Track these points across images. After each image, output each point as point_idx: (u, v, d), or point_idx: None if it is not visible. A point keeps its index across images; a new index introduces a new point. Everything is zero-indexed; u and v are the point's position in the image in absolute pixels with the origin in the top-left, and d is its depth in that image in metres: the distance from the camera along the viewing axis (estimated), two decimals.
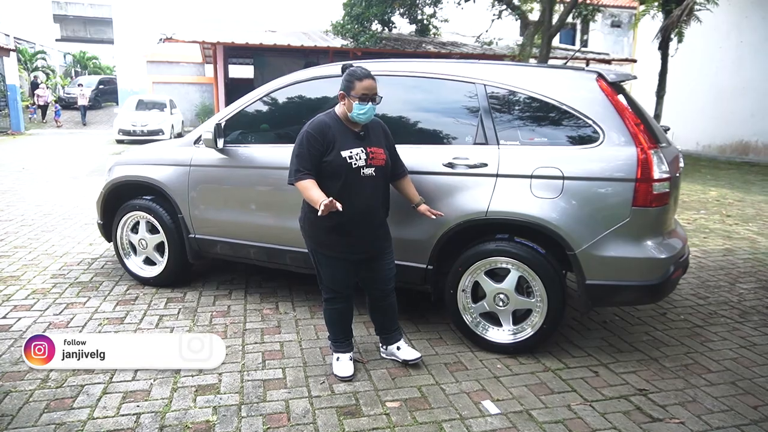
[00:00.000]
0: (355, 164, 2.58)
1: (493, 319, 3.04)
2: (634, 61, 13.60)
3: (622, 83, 3.09)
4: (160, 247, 3.91)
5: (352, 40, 11.33)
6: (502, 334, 2.97)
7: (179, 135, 18.41)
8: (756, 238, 5.82)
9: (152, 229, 3.90)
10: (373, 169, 2.62)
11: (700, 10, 10.84)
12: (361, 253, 2.71)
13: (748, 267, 4.78)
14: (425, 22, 14.51)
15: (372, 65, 3.31)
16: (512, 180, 2.86)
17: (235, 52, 17.92)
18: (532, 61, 10.91)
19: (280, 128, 3.59)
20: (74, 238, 5.27)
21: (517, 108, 3.00)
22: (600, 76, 2.89)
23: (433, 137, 3.14)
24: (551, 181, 2.79)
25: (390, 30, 13.28)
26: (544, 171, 2.80)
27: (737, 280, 4.40)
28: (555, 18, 10.61)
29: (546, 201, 2.79)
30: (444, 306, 3.14)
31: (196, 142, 3.67)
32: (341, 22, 12.10)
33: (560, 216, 2.77)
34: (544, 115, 2.94)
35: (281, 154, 3.35)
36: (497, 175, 2.88)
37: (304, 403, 2.50)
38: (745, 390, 2.68)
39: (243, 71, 21.88)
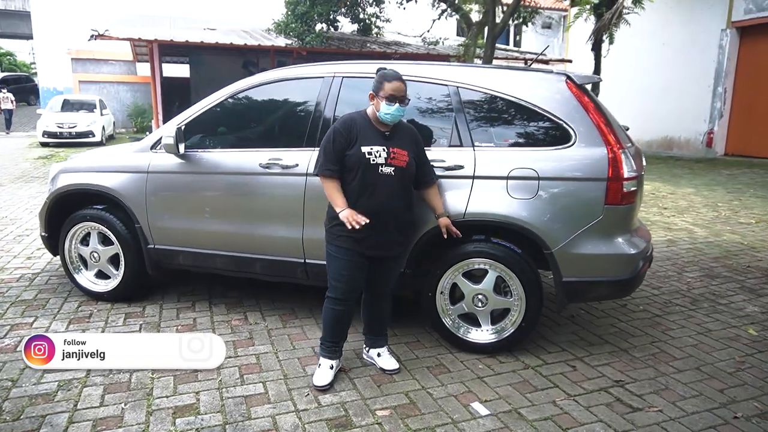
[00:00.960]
0: (373, 161, 2.59)
1: (471, 319, 3.06)
2: (570, 61, 14.22)
3: (586, 85, 3.19)
4: (114, 260, 3.66)
5: (297, 39, 11.11)
6: (484, 334, 2.99)
7: (111, 137, 17.44)
8: (692, 228, 6.22)
9: (104, 241, 3.65)
10: (393, 168, 2.61)
11: (628, 13, 11.47)
12: (372, 250, 2.67)
13: (690, 257, 5.09)
14: (367, 21, 14.49)
15: (343, 67, 3.27)
16: (489, 182, 2.89)
17: (169, 51, 17.15)
18: (477, 61, 11.16)
19: (247, 132, 3.45)
20: (9, 252, 4.85)
21: (490, 110, 3.03)
22: (568, 78, 2.97)
23: None
24: (527, 181, 2.84)
25: (336, 29, 13.15)
26: (520, 172, 2.84)
27: (683, 270, 4.68)
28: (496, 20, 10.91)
29: (522, 201, 2.84)
30: (420, 309, 3.13)
31: (154, 147, 3.47)
32: (285, 20, 11.83)
33: (537, 216, 2.82)
34: (517, 117, 2.99)
35: (249, 158, 3.24)
36: (474, 177, 2.90)
37: (292, 418, 2.41)
38: (710, 375, 2.85)
39: (177, 70, 21.00)
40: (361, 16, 13.99)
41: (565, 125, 2.87)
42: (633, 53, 12.46)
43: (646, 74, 13.89)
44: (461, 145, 2.96)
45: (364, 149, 2.59)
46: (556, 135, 2.89)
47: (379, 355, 2.88)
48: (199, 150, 3.36)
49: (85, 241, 3.71)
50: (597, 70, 12.04)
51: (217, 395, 2.58)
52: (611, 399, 2.60)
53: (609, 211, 2.80)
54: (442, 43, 13.47)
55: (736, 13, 12.31)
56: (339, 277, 2.71)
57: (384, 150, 2.60)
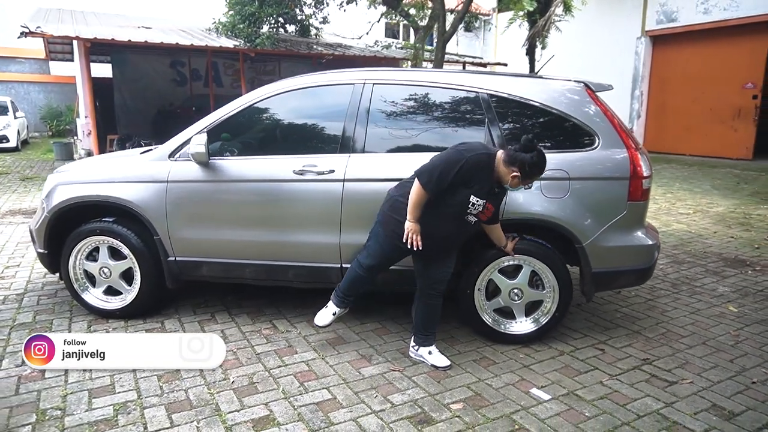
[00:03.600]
0: (470, 210, 2.71)
1: (505, 313, 3.25)
2: (505, 64, 14.95)
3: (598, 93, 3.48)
4: (125, 274, 3.48)
5: (245, 40, 10.80)
6: (524, 325, 3.18)
7: (25, 142, 16.00)
8: None
9: (114, 255, 3.46)
10: (476, 219, 2.76)
11: (559, 20, 12.29)
12: (420, 251, 2.77)
13: None
14: (306, 23, 14.37)
15: (373, 74, 3.33)
16: None
17: (92, 49, 16.01)
18: (427, 64, 11.47)
19: (277, 138, 3.41)
20: None
21: (521, 116, 3.23)
22: (586, 86, 3.24)
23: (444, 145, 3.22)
24: (559, 182, 3.07)
25: (286, 31, 12.92)
26: (553, 173, 3.06)
27: None
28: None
29: (556, 200, 3.06)
30: (457, 307, 3.27)
31: (173, 155, 3.34)
32: (231, 21, 11.45)
33: (569, 213, 3.06)
34: (545, 122, 3.20)
35: (281, 165, 3.22)
36: None
37: (374, 419, 2.46)
38: (716, 348, 3.23)
39: (97, 69, 19.60)
40: (299, 17, 13.82)
41: (589, 129, 3.13)
42: (562, 57, 13.36)
43: (574, 77, 14.88)
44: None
45: (473, 199, 2.67)
46: (582, 138, 3.14)
47: (430, 353, 2.98)
48: (227, 157, 3.29)
49: (91, 256, 3.49)
50: (531, 72, 12.78)
51: (288, 405, 2.57)
52: (647, 375, 2.89)
53: (631, 206, 3.10)
54: (395, 46, 13.67)
55: (649, 22, 13.56)
56: (375, 254, 2.88)
57: (484, 204, 2.72)
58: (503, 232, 3.09)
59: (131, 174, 3.39)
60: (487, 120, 3.17)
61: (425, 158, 3.05)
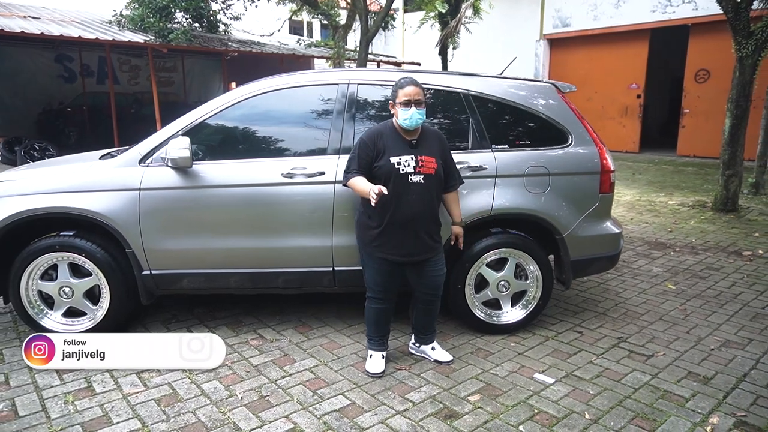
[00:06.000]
0: (402, 170, 2.69)
1: (491, 305, 3.39)
2: (418, 64, 15.34)
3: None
4: (89, 293, 3.16)
5: (156, 35, 10.02)
6: (514, 313, 3.34)
7: None
8: None
9: (75, 271, 3.12)
10: (422, 176, 2.72)
11: (469, 22, 12.87)
12: (403, 257, 2.78)
13: None
14: (212, 19, 13.72)
15: (357, 74, 3.31)
16: (509, 179, 3.24)
17: None
18: (350, 63, 11.44)
19: (260, 140, 3.25)
20: None
21: (502, 115, 3.37)
22: (556, 87, 3.47)
23: None
24: (540, 178, 3.26)
25: (202, 26, 12.17)
26: (534, 170, 3.25)
27: None
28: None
29: (538, 195, 3.25)
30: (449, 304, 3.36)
31: (143, 160, 3.08)
32: (138, 14, 10.56)
33: (550, 207, 3.26)
34: (526, 121, 3.38)
35: (268, 168, 3.11)
36: (496, 176, 3.22)
37: (402, 420, 2.47)
38: (672, 322, 3.61)
39: None
40: (209, 13, 13.14)
41: (562, 128, 3.35)
42: (472, 56, 14.02)
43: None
44: (481, 148, 3.25)
45: (393, 159, 2.69)
46: (557, 136, 3.36)
47: (433, 349, 3.04)
48: (206, 162, 3.10)
49: (47, 275, 3.12)
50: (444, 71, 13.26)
51: (310, 415, 2.50)
52: (627, 352, 3.17)
53: (602, 198, 3.38)
54: (303, 44, 13.39)
55: (546, 26, 14.62)
56: (374, 282, 2.85)
57: (412, 159, 2.72)
58: (489, 226, 3.24)
59: (96, 182, 3.07)
60: (470, 118, 3.28)
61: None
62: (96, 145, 11.87)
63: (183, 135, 3.03)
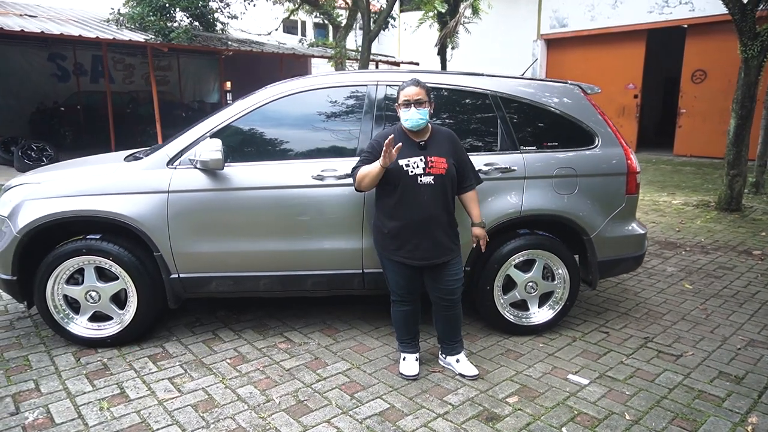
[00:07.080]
0: (411, 172, 2.68)
1: (517, 306, 3.39)
2: (417, 63, 15.33)
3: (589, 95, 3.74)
4: (115, 297, 3.12)
5: (156, 34, 9.89)
6: (543, 314, 3.35)
7: None
8: None
9: (101, 275, 3.08)
10: (432, 177, 2.70)
11: (468, 22, 12.89)
12: (420, 260, 2.76)
13: None
14: (210, 18, 13.61)
15: (384, 75, 3.30)
16: (538, 181, 3.24)
17: None
18: (351, 63, 11.40)
19: (291, 142, 3.22)
20: None
21: (529, 116, 3.37)
22: (581, 88, 3.48)
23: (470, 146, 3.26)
24: (569, 179, 3.27)
25: (202, 24, 12.06)
26: (563, 171, 3.26)
27: None
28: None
29: (567, 196, 3.26)
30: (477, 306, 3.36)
31: (171, 162, 3.04)
32: (139, 12, 10.42)
33: (578, 208, 3.27)
34: (554, 122, 3.38)
35: (298, 170, 3.09)
36: (525, 178, 3.23)
37: (444, 423, 2.46)
38: (695, 322, 3.64)
39: None
40: (206, 12, 13.02)
41: (589, 129, 3.36)
42: (469, 55, 14.05)
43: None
44: (510, 150, 3.25)
45: (401, 162, 2.67)
46: (584, 138, 3.37)
47: (458, 361, 2.96)
48: (235, 164, 3.06)
49: (73, 279, 3.07)
50: (443, 70, 13.26)
51: (351, 419, 2.49)
52: (655, 352, 3.19)
53: (629, 199, 3.39)
54: (316, 44, 13.33)
55: (543, 27, 14.69)
56: (397, 285, 2.84)
57: (421, 160, 2.70)
58: (517, 227, 3.25)
59: (124, 185, 3.02)
60: (498, 120, 3.28)
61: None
62: (93, 144, 11.76)
63: (216, 138, 2.99)
